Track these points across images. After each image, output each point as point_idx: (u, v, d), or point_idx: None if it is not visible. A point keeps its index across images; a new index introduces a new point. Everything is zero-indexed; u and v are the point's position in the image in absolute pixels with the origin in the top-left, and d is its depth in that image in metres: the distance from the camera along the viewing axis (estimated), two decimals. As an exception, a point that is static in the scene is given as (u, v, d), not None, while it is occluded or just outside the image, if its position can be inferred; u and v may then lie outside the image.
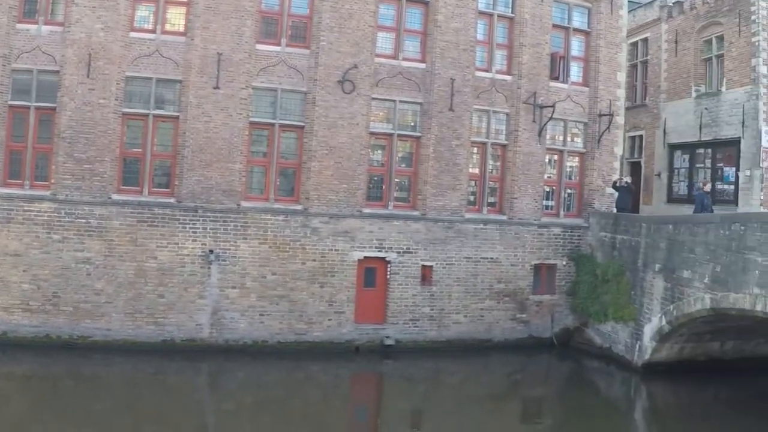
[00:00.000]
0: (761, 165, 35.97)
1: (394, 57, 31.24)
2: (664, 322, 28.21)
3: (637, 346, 29.67)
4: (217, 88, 28.59)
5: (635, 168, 45.14)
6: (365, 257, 30.32)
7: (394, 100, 31.10)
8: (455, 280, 31.51)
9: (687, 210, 37.13)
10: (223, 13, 28.69)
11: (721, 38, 39.10)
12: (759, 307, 23.55)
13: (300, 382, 27.27)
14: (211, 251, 28.30)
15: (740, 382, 28.71)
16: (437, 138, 31.39)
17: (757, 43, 36.43)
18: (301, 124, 29.87)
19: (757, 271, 23.72)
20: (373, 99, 30.79)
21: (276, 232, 29.17)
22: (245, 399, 25.23)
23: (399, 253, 30.70)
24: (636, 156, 45.50)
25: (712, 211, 30.34)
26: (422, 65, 31.53)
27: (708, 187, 33.19)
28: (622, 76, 35.39)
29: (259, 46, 29.38)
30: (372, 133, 30.90)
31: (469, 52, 31.96)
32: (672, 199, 42.25)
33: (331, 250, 29.81)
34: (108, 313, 27.46)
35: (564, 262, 33.61)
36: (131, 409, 22.69)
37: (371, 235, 30.38)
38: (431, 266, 31.17)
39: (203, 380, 27.53)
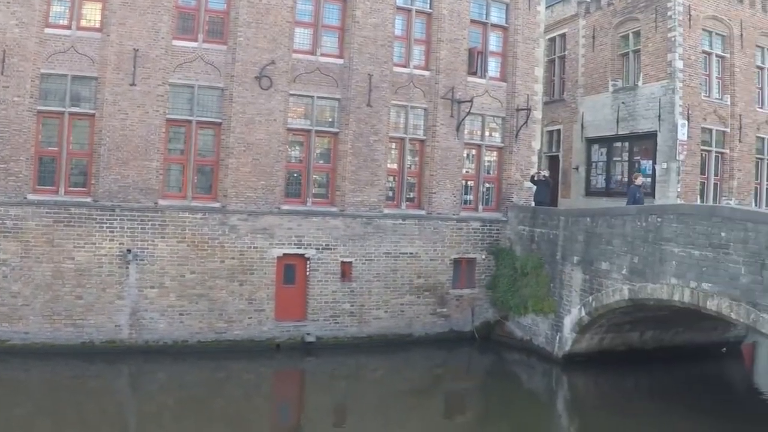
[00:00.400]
0: (677, 158, 36.66)
1: (312, 53, 31.08)
2: (583, 313, 28.61)
3: (558, 337, 30.03)
4: (133, 84, 28.15)
5: (553, 162, 45.70)
6: (284, 254, 30.18)
7: (311, 96, 30.96)
8: (375, 275, 31.57)
9: (605, 203, 38.06)
10: (139, 9, 28.23)
11: (637, 34, 39.86)
12: (676, 297, 24.11)
13: (221, 382, 27.11)
14: (129, 251, 27.88)
15: (660, 371, 29.35)
16: (355, 134, 31.39)
17: (673, 39, 37.23)
18: (219, 120, 29.57)
19: (674, 262, 24.26)
20: (291, 95, 30.59)
21: (194, 231, 28.87)
22: (167, 400, 25.04)
23: (318, 249, 30.63)
24: (554, 150, 46.10)
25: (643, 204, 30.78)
26: (340, 61, 31.45)
27: (639, 181, 33.66)
28: (539, 71, 35.82)
29: (176, 42, 28.96)
30: (290, 129, 30.72)
31: (387, 48, 32.00)
32: (590, 192, 42.91)
33: (250, 247, 29.63)
34: (25, 316, 26.88)
35: (483, 256, 33.85)
36: (51, 414, 22.39)
37: (290, 232, 30.25)
38: (351, 262, 31.18)
39: (124, 382, 27.12)
